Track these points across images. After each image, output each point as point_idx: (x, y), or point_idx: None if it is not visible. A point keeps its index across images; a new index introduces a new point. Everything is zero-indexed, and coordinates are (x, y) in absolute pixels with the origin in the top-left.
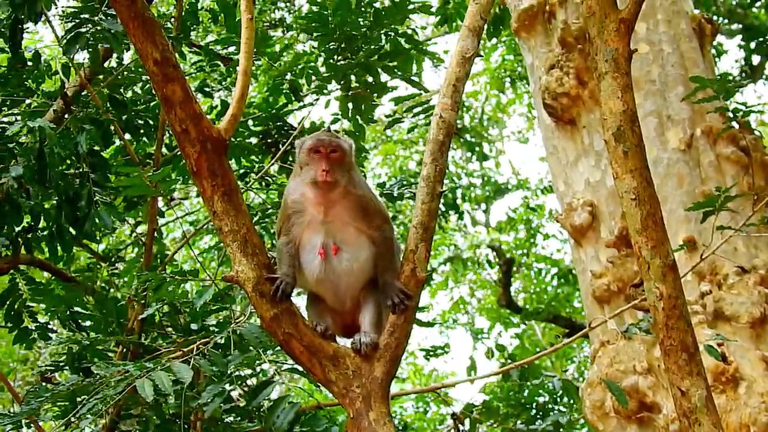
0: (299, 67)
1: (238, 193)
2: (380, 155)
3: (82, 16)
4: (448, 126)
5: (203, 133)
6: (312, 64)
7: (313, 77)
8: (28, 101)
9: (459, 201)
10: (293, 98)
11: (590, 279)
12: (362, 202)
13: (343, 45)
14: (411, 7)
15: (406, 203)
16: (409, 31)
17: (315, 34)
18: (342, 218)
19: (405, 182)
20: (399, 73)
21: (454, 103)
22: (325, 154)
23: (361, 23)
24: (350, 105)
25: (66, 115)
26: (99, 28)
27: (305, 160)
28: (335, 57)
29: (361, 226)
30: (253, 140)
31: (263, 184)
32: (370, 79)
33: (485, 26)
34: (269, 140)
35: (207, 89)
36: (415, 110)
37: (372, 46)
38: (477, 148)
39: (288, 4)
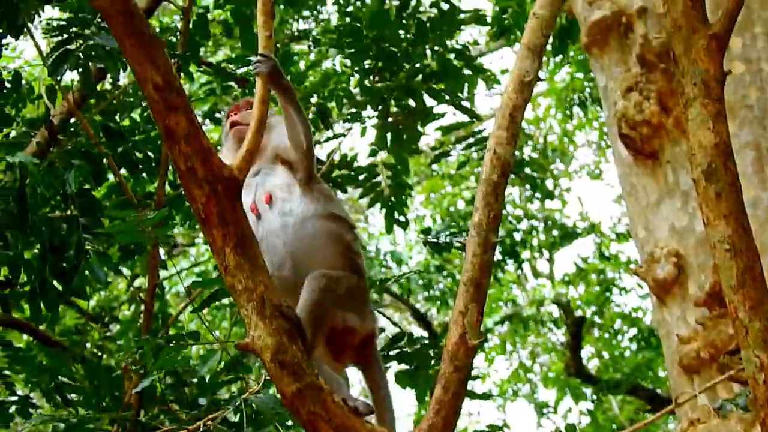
0: (328, 88)
1: (254, 244)
2: (424, 192)
3: (71, 30)
4: (503, 163)
5: (213, 173)
6: (344, 85)
7: (345, 101)
8: (6, 130)
9: (518, 248)
10: (322, 126)
11: (676, 344)
12: (277, 122)
13: (380, 64)
14: (462, 17)
15: (455, 253)
16: (459, 46)
17: (347, 51)
18: (266, 157)
19: (454, 229)
20: (447, 97)
21: (511, 135)
22: (233, 112)
23: (402, 37)
24: (389, 134)
25: (51, 148)
26: (91, 44)
27: (223, 129)
28: (371, 77)
29: (284, 153)
30: None
31: None
32: (412, 103)
33: (549, 42)
34: None
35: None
36: (466, 142)
37: (415, 65)
38: (539, 184)
39: (314, 12)
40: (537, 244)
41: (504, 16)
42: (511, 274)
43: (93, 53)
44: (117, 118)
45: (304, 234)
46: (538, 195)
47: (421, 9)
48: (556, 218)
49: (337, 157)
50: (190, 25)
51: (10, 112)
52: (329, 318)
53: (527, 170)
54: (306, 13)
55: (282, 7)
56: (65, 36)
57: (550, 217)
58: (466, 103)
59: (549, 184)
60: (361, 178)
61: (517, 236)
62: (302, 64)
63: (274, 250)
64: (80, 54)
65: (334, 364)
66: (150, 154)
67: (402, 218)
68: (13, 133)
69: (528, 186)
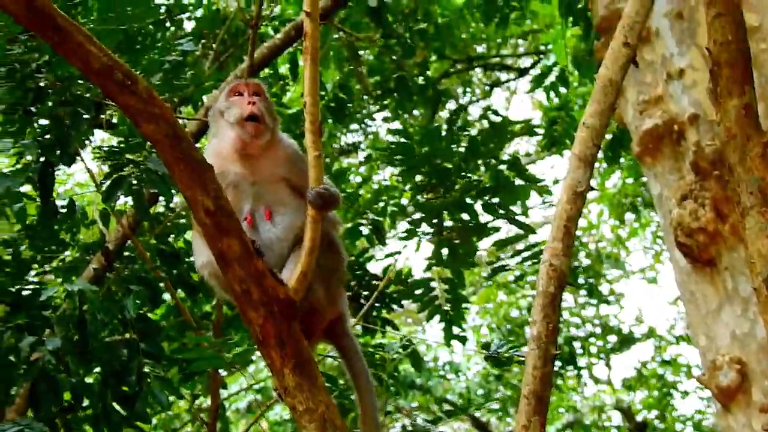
0: (381, 204)
1: (313, 364)
2: (480, 302)
3: (122, 155)
4: (559, 275)
5: (268, 295)
6: (396, 200)
7: (399, 216)
8: (62, 256)
9: (576, 355)
10: (376, 241)
11: None
12: (292, 151)
13: (433, 180)
14: (512, 129)
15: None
16: (510, 157)
17: (399, 168)
18: (271, 173)
19: (513, 341)
20: (501, 211)
21: (566, 247)
22: (248, 94)
23: (454, 151)
24: (445, 249)
25: (108, 273)
26: (143, 168)
27: (224, 105)
28: (424, 193)
29: (296, 183)
30: None
31: None
32: (466, 217)
33: (600, 152)
34: (349, 293)
35: None
36: (522, 255)
37: (468, 180)
38: (594, 290)
39: (362, 125)
40: (596, 351)
41: (554, 126)
42: (572, 380)
43: (145, 178)
44: (171, 239)
45: (296, 240)
46: (593, 301)
47: (469, 117)
48: (612, 323)
49: (389, 270)
50: None
51: (65, 236)
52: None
53: (580, 279)
54: (354, 126)
55: (330, 121)
56: (117, 162)
57: (606, 323)
58: (520, 217)
59: (604, 289)
60: (417, 292)
61: (575, 343)
62: (353, 177)
63: (267, 259)
64: (133, 179)
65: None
66: None
67: (461, 333)
68: (69, 258)
69: (583, 292)
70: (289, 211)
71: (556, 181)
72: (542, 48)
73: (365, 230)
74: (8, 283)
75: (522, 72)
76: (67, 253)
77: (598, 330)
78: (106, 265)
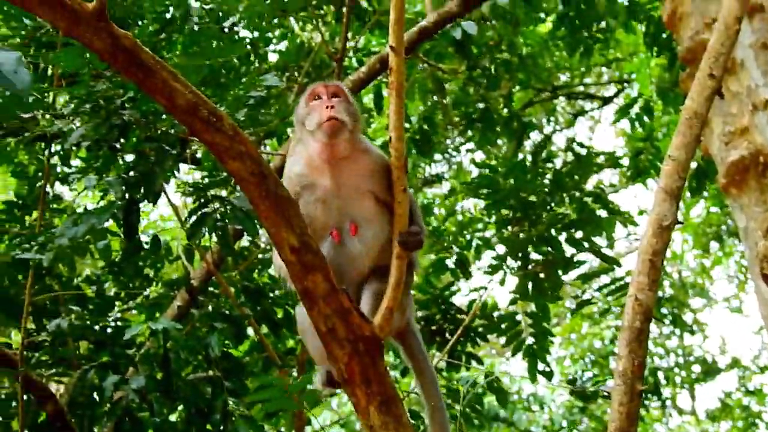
0: (466, 237)
1: (398, 401)
2: (564, 334)
3: (207, 192)
4: (645, 310)
5: (353, 332)
6: (481, 234)
7: (483, 246)
8: (146, 292)
9: (660, 386)
10: (460, 275)
11: None
12: (380, 163)
13: (518, 214)
14: (597, 161)
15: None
16: (593, 188)
17: (485, 201)
18: (359, 186)
19: (598, 375)
20: (586, 245)
21: (651, 282)
22: (327, 97)
23: (538, 183)
24: (530, 283)
25: (192, 309)
26: (228, 205)
27: (304, 112)
28: (510, 227)
29: (381, 195)
30: None
31: None
32: (550, 247)
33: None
34: (433, 327)
35: None
36: (607, 288)
37: (553, 213)
38: (678, 320)
39: (446, 155)
40: (680, 381)
41: (639, 156)
42: (656, 411)
43: (230, 214)
44: (256, 274)
45: (377, 257)
46: (677, 330)
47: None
48: (696, 353)
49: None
50: None
51: (150, 272)
52: None
53: (663, 310)
54: (438, 156)
55: (414, 152)
56: (202, 198)
57: (691, 352)
58: (606, 250)
59: (688, 318)
60: (502, 326)
61: (660, 373)
62: (437, 209)
63: (348, 273)
64: (217, 216)
65: None
66: (290, 310)
67: (546, 368)
68: (153, 294)
69: (667, 322)
70: (374, 226)
71: (641, 212)
72: (626, 76)
73: (450, 263)
74: (92, 320)
75: (606, 101)
76: (151, 288)
77: (682, 360)
78: (191, 301)
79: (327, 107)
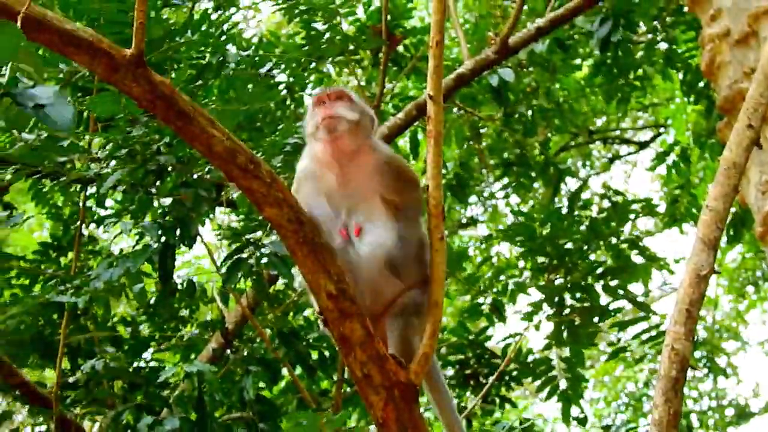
0: (501, 282)
1: None
2: (597, 376)
3: (243, 237)
4: (682, 359)
5: (389, 379)
6: (517, 276)
7: (518, 290)
8: (180, 333)
9: (694, 428)
10: (495, 319)
11: None
12: (391, 164)
13: (554, 261)
14: (633, 208)
15: None
16: (627, 233)
17: (521, 250)
18: (365, 185)
19: (632, 419)
20: (621, 293)
21: (688, 331)
22: (329, 103)
23: (575, 229)
24: (565, 330)
25: (227, 352)
26: (263, 250)
27: (309, 118)
28: (546, 274)
29: (390, 197)
30: (449, 371)
31: (467, 423)
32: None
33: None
34: (468, 371)
35: None
36: (642, 337)
37: (589, 261)
38: (712, 364)
39: (482, 198)
40: (714, 424)
41: (676, 205)
42: None
43: (266, 260)
44: (291, 317)
45: (390, 263)
46: (711, 374)
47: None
48: (730, 397)
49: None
50: None
51: (183, 313)
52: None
53: (699, 352)
54: (473, 198)
55: (449, 194)
56: (237, 242)
57: (725, 396)
58: (642, 298)
59: (721, 362)
60: (536, 370)
61: (693, 416)
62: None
63: (359, 276)
64: (252, 261)
65: None
66: (325, 352)
67: (580, 412)
68: (186, 335)
69: (701, 365)
70: (379, 231)
71: (677, 261)
72: (662, 121)
73: (485, 308)
74: (127, 361)
75: (642, 145)
76: (186, 329)
77: (716, 404)
78: (225, 344)
79: (325, 110)
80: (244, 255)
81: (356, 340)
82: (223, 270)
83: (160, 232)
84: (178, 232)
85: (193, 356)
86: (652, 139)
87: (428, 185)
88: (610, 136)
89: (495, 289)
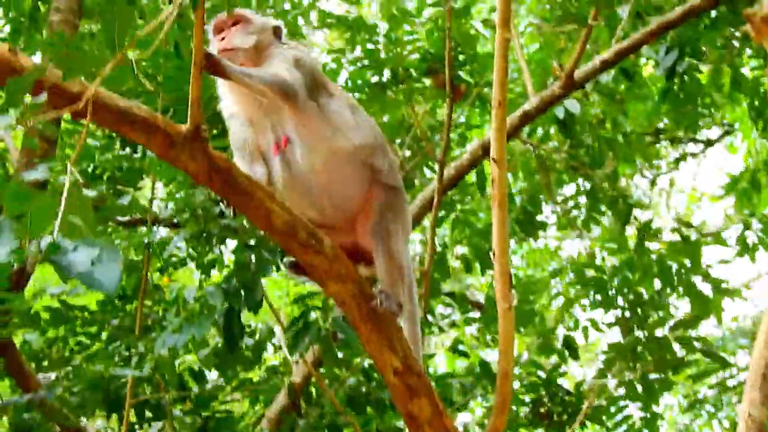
0: (570, 323)
1: None
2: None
3: (310, 301)
4: (759, 426)
5: None
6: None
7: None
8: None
9: None
10: (568, 355)
11: None
12: (299, 61)
13: (627, 313)
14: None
15: None
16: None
17: (594, 299)
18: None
19: None
20: (696, 344)
21: (764, 397)
22: (226, 30)
23: (645, 268)
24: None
25: (293, 412)
26: (330, 314)
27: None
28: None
29: (281, 94)
30: (523, 410)
31: None
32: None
33: None
34: (541, 410)
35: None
36: (717, 388)
37: (666, 311)
38: None
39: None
40: None
41: (746, 231)
42: None
43: (333, 324)
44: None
45: (330, 171)
46: None
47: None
48: None
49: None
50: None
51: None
52: None
53: None
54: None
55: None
56: (304, 306)
57: None
58: (714, 329)
59: None
60: (612, 409)
61: None
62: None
63: (311, 198)
64: (319, 326)
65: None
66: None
67: None
68: (255, 378)
69: None
70: (306, 137)
71: (746, 286)
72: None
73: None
74: (196, 412)
75: (709, 143)
76: (253, 373)
77: None
78: (293, 405)
79: (219, 40)
80: (311, 319)
81: (424, 418)
82: (291, 334)
83: (224, 297)
84: (242, 296)
85: (261, 397)
86: (721, 137)
87: (494, 251)
88: (677, 136)
89: (566, 327)
